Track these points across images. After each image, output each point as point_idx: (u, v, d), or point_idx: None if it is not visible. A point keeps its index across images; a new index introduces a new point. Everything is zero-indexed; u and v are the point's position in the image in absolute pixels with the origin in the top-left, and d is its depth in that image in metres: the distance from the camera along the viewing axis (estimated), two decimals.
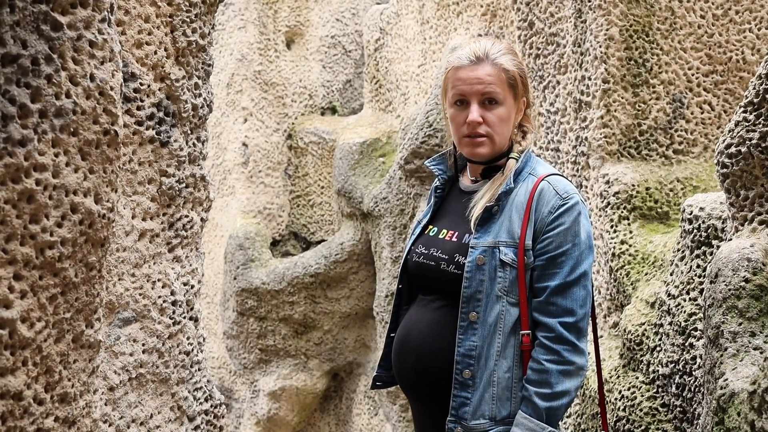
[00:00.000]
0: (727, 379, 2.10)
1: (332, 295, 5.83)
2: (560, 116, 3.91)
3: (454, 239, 2.38)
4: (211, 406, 3.01)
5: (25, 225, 1.64)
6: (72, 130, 1.72)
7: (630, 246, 3.50)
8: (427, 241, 2.45)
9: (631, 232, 3.54)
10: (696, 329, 2.75)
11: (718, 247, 2.74)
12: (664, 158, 3.64)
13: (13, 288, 1.63)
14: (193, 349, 2.86)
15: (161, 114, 2.65)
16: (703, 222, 2.80)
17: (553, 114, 3.96)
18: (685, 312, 2.81)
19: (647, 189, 3.58)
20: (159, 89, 2.67)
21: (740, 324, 2.17)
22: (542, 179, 2.33)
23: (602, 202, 3.65)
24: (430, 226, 2.48)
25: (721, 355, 2.17)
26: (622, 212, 3.57)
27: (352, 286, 5.82)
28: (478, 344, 2.29)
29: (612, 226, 3.59)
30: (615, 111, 3.60)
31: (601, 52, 3.58)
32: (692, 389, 2.73)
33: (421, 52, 5.34)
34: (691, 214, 2.85)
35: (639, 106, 3.62)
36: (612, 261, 3.54)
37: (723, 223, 2.74)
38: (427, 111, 4.67)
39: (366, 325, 5.95)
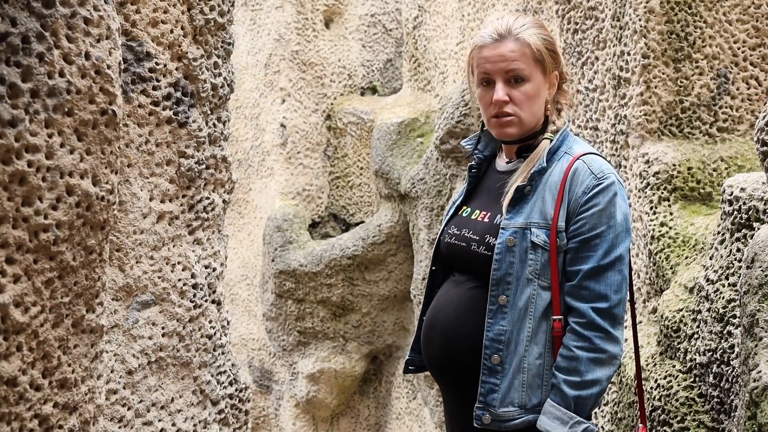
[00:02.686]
0: (760, 371, 1.97)
1: (370, 277, 5.77)
2: (599, 93, 3.76)
3: (486, 220, 2.32)
4: (236, 390, 2.97)
5: (18, 207, 1.60)
6: (66, 110, 1.67)
7: (670, 228, 3.36)
8: (459, 222, 2.40)
9: (671, 213, 3.39)
10: (735, 316, 2.61)
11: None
12: (708, 136, 3.48)
13: (6, 272, 1.59)
14: (215, 333, 2.83)
15: (179, 94, 2.61)
16: (744, 203, 2.65)
17: (591, 91, 3.81)
18: (723, 298, 2.67)
19: (689, 169, 3.42)
20: (176, 69, 2.62)
21: None
22: (577, 158, 2.24)
23: (642, 182, 3.50)
24: (464, 207, 2.43)
25: (756, 345, 2.04)
26: (662, 193, 3.43)
27: (390, 268, 5.76)
28: (507, 329, 2.22)
29: (651, 208, 3.45)
30: (655, 87, 3.45)
31: (641, 26, 3.42)
32: (730, 380, 2.59)
33: (460, 29, 5.22)
34: (731, 195, 2.71)
35: (681, 82, 3.45)
36: (651, 244, 3.40)
37: (765, 204, 2.59)
38: (462, 90, 4.56)
39: (405, 307, 5.88)
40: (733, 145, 3.47)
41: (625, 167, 3.64)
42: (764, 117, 2.29)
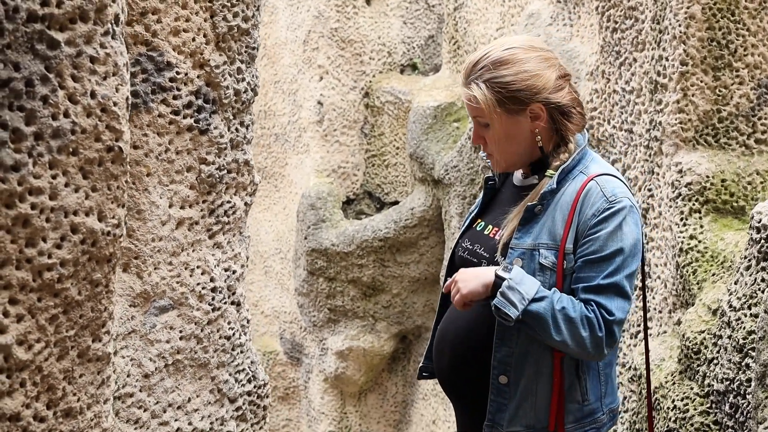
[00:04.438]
0: (767, 428, 1.93)
1: (401, 259, 5.78)
2: (635, 96, 3.67)
3: (496, 237, 2.30)
4: (255, 387, 3.01)
5: (21, 249, 1.63)
6: (71, 150, 1.68)
7: (699, 242, 3.28)
8: (472, 236, 2.39)
9: (701, 226, 3.31)
10: (754, 349, 2.56)
11: None
12: (744, 148, 3.37)
13: (8, 313, 1.62)
14: (234, 333, 2.86)
15: (200, 101, 2.61)
16: None
17: (628, 93, 3.71)
18: (744, 328, 2.61)
19: (723, 181, 3.33)
20: (197, 77, 2.61)
21: None
22: (591, 179, 2.19)
23: (673, 192, 3.42)
24: (479, 220, 2.42)
25: (766, 398, 2.00)
26: (693, 204, 3.34)
27: (422, 251, 5.75)
28: (515, 351, 2.22)
29: (681, 219, 3.37)
30: (692, 95, 3.34)
31: (681, 32, 3.31)
32: (745, 413, 2.55)
33: (500, 15, 5.11)
34: (759, 222, 2.63)
35: (719, 90, 3.34)
36: (679, 256, 3.34)
37: None
38: None
39: (435, 290, 5.89)
40: None
41: (658, 174, 3.55)
42: None
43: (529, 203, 2.22)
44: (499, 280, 2.12)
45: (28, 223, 1.63)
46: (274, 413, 6.73)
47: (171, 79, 2.55)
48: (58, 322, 1.74)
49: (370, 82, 6.20)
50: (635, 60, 3.64)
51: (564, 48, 4.15)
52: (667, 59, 3.41)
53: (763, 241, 2.61)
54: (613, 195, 2.16)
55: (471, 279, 2.17)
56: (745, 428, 2.54)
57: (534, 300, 2.09)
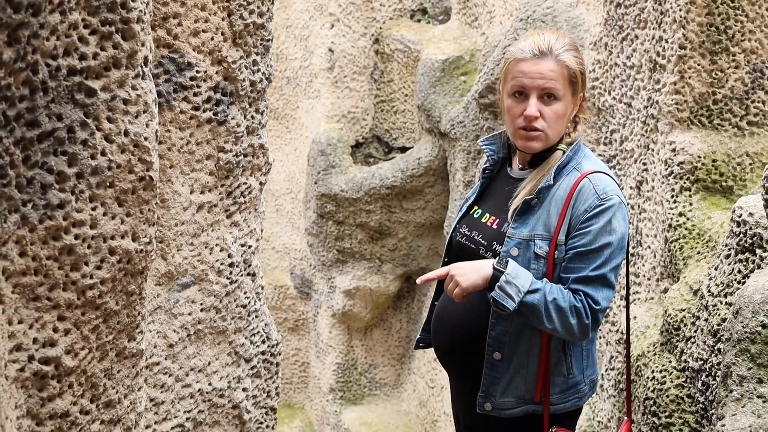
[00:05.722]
0: (724, 425, 2.18)
1: (408, 206, 5.98)
2: (635, 72, 3.79)
3: (494, 226, 2.49)
4: (268, 346, 3.24)
5: (66, 274, 1.84)
6: (108, 183, 1.87)
7: (687, 219, 3.47)
8: (470, 222, 2.57)
9: (690, 204, 3.50)
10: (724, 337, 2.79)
11: (762, 257, 2.72)
12: (737, 129, 3.52)
13: (57, 329, 1.85)
14: (250, 301, 3.08)
15: (218, 95, 2.76)
16: (750, 228, 2.77)
17: (628, 68, 3.84)
18: (719, 315, 2.83)
19: (714, 161, 3.49)
20: (216, 72, 2.76)
21: (749, 369, 2.22)
22: (584, 176, 2.38)
23: (666, 169, 3.59)
24: (475, 207, 2.59)
25: (726, 396, 2.24)
26: (684, 183, 3.52)
27: (427, 198, 5.95)
28: (509, 330, 2.44)
29: (672, 196, 3.55)
30: (689, 78, 3.47)
31: (681, 16, 3.41)
32: (714, 393, 2.80)
33: None
34: (740, 217, 2.82)
35: (716, 74, 3.47)
36: (668, 231, 3.54)
37: None
38: (504, 46, 4.57)
39: (440, 234, 6.11)
40: (760, 141, 3.52)
41: (653, 150, 3.71)
42: None
43: (527, 197, 2.40)
44: (497, 272, 2.33)
45: (73, 251, 1.84)
46: (285, 343, 7.08)
47: (191, 78, 2.69)
48: (99, 331, 1.97)
49: (381, 28, 6.27)
50: (637, 37, 3.75)
51: (570, 15, 4.24)
52: (666, 41, 3.53)
53: (742, 235, 2.81)
54: (604, 192, 2.35)
55: (470, 272, 2.36)
56: (713, 406, 2.80)
57: (528, 292, 2.30)
